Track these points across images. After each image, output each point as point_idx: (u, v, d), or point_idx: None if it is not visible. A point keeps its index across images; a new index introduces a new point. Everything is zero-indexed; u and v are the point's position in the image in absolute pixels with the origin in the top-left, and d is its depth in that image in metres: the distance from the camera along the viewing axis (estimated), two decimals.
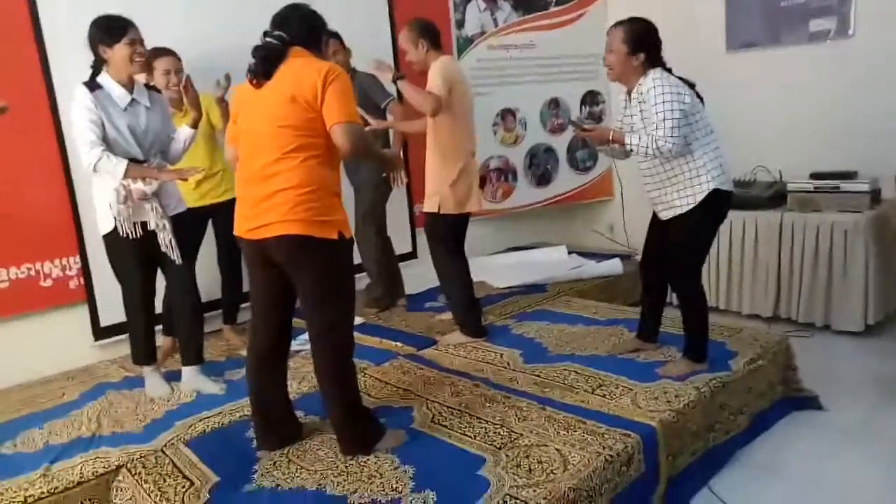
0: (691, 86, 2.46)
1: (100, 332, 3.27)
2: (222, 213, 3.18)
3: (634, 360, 2.71)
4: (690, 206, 2.45)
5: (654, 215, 2.65)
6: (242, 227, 2.09)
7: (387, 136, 3.67)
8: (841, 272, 3.41)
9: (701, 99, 2.49)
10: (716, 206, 2.45)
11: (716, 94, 4.33)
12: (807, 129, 4.01)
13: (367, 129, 2.83)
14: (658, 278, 2.72)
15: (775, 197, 3.77)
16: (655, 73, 2.40)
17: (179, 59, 2.99)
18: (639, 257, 4.16)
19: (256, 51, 2.03)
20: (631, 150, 2.45)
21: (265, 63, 2.02)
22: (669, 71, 2.46)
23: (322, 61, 2.06)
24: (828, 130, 3.92)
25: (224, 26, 3.30)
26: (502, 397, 2.46)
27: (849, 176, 3.58)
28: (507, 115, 4.79)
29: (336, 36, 3.43)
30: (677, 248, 2.54)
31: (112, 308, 3.14)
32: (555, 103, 4.92)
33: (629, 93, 2.52)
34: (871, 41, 3.73)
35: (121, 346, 3.22)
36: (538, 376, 2.63)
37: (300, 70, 2.00)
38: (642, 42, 2.42)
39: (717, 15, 4.31)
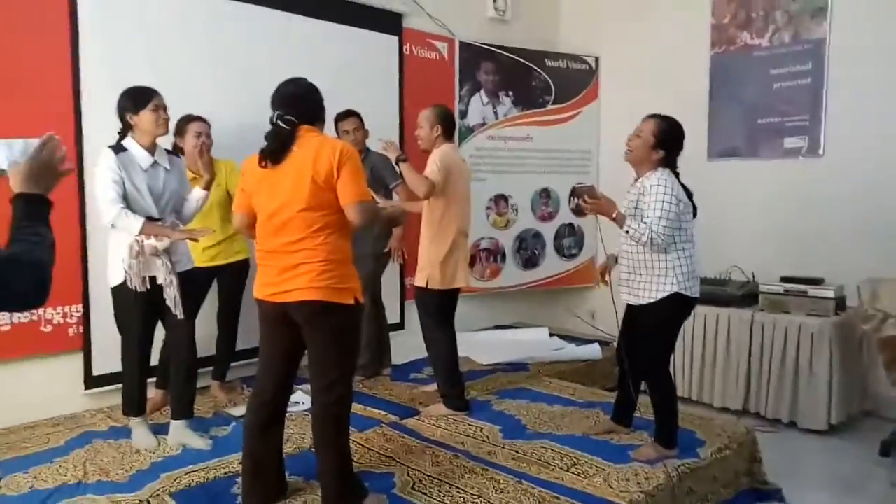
0: (689, 194, 2.66)
1: (91, 381, 3.33)
2: (229, 273, 3.36)
3: (609, 441, 2.82)
4: (650, 301, 2.63)
5: (628, 305, 2.82)
6: (265, 292, 2.24)
7: None
8: (807, 372, 3.59)
9: (695, 209, 2.68)
10: (676, 307, 2.62)
11: (697, 197, 4.68)
12: (779, 235, 4.29)
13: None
14: (633, 365, 2.88)
15: (747, 296, 3.99)
16: (664, 173, 2.59)
17: (209, 125, 3.21)
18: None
19: (270, 137, 2.19)
20: (627, 232, 2.55)
21: (279, 150, 2.17)
22: (677, 175, 2.66)
23: (333, 140, 2.23)
24: (798, 238, 4.20)
25: (248, 98, 3.55)
26: (481, 469, 2.56)
27: (816, 282, 3.81)
28: (499, 200, 5.06)
29: (357, 115, 3.70)
30: (642, 339, 2.71)
31: (106, 357, 3.24)
32: (546, 193, 5.21)
33: (636, 178, 2.71)
34: (839, 160, 4.07)
35: (109, 396, 3.29)
36: (516, 452, 2.73)
37: (316, 150, 2.15)
38: (668, 141, 2.62)
39: (700, 125, 4.66)
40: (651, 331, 2.68)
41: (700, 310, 4.00)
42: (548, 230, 5.24)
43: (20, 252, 1.23)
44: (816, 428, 3.54)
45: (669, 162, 2.65)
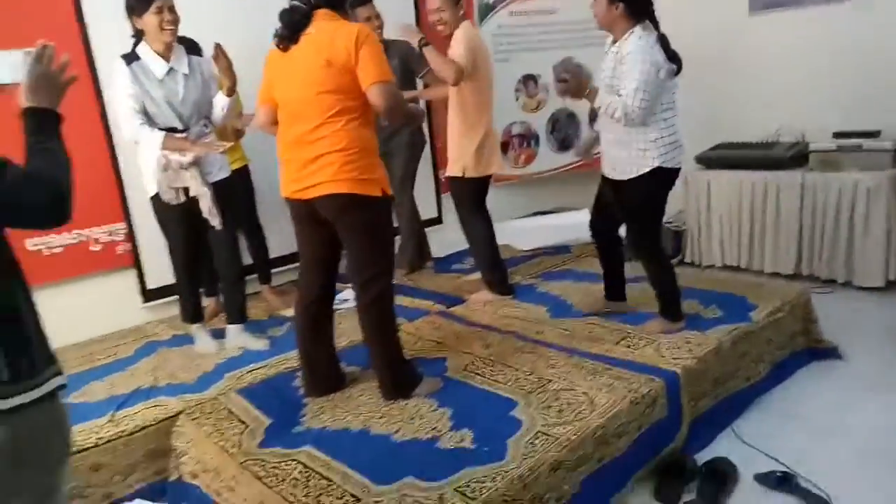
0: (671, 54, 2.40)
1: (148, 295, 3.45)
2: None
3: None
4: (632, 176, 2.50)
5: (606, 178, 2.68)
6: (290, 189, 2.21)
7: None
8: (862, 230, 3.46)
9: (679, 67, 2.44)
10: (658, 179, 2.49)
11: (739, 56, 4.41)
12: (830, 89, 4.01)
13: None
14: (607, 234, 2.79)
15: (797, 157, 3.80)
16: (641, 37, 2.36)
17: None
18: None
19: (283, 15, 2.11)
20: (599, 108, 2.45)
21: (292, 27, 2.09)
22: (657, 26, 2.41)
23: (351, 23, 2.12)
24: (851, 90, 3.92)
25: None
26: (531, 348, 2.59)
27: (872, 135, 3.60)
28: (528, 81, 4.84)
29: (371, 1, 3.51)
30: (627, 213, 2.61)
31: (159, 272, 3.33)
32: (578, 68, 4.94)
33: (614, 41, 2.49)
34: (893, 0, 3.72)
35: (169, 307, 3.39)
36: (565, 330, 2.75)
37: (332, 33, 2.06)
38: None
39: None
40: (636, 206, 2.57)
41: (747, 175, 3.86)
42: (582, 109, 4.98)
43: (31, 169, 1.19)
44: (873, 285, 3.46)
45: (638, 13, 2.39)
